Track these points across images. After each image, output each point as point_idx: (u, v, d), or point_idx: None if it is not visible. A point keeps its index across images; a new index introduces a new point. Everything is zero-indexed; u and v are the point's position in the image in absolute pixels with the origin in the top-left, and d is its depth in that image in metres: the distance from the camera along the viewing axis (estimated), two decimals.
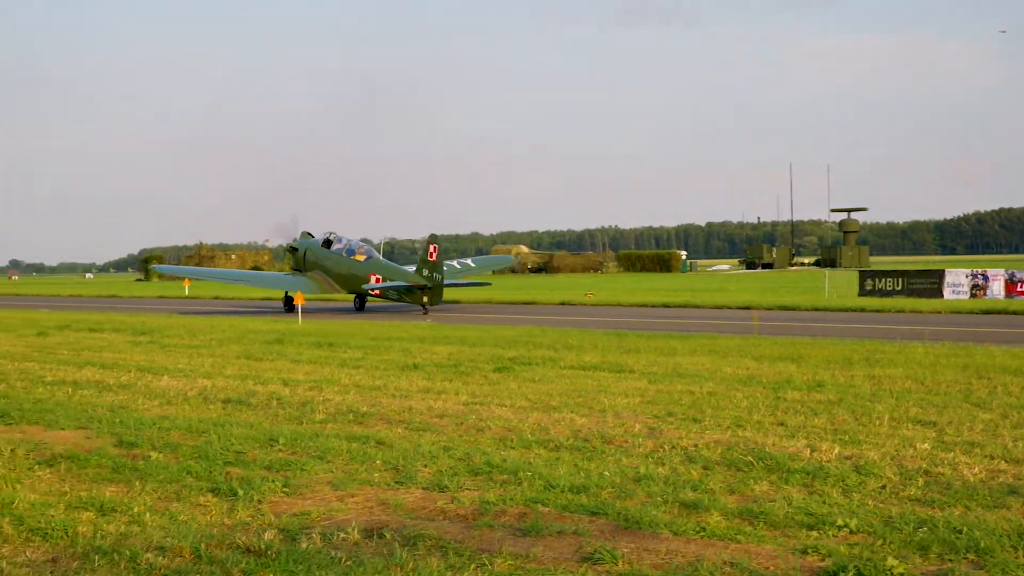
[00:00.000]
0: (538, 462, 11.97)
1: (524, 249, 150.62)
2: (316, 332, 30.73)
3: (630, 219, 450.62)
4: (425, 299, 45.23)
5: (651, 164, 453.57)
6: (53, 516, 9.98)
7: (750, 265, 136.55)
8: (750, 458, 11.88)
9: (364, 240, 51.65)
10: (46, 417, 15.70)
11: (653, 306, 46.63)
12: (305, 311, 41.89)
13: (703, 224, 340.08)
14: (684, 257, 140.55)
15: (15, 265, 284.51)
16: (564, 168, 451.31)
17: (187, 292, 72.16)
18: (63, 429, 14.83)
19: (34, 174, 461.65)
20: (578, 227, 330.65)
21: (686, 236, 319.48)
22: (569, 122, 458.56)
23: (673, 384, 18.33)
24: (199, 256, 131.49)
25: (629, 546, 8.86)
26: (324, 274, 49.52)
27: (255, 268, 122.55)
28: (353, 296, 49.60)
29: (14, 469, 12.23)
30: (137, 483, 11.38)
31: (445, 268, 49.67)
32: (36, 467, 12.36)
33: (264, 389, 18.37)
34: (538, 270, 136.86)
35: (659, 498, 10.28)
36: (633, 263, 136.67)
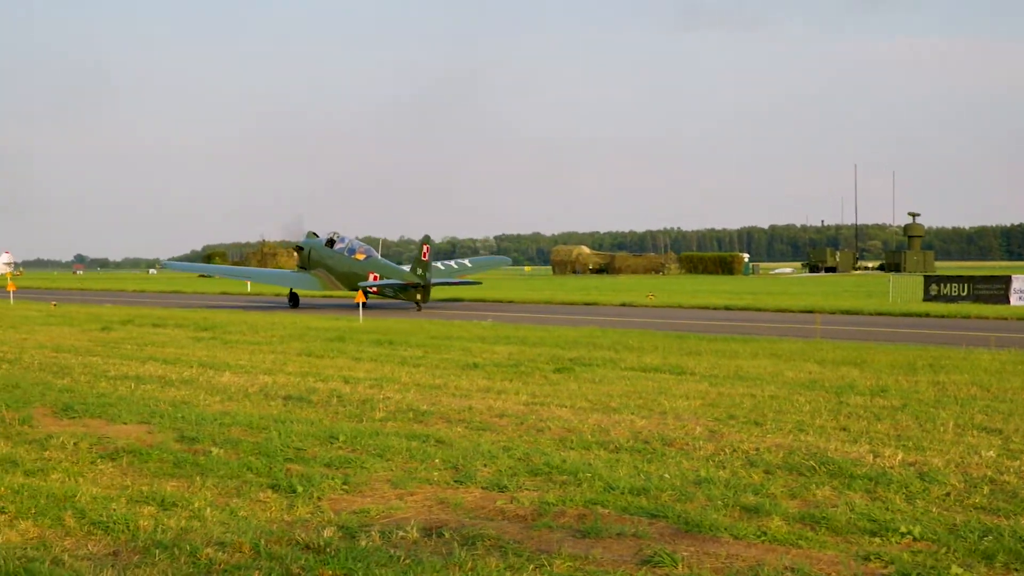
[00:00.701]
0: (598, 463, 11.92)
1: (585, 250, 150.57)
2: (376, 330, 30.81)
3: (692, 221, 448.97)
4: (418, 296, 47.89)
5: (714, 166, 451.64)
6: (115, 510, 10.04)
7: (813, 268, 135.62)
8: (812, 463, 11.78)
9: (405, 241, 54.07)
10: (109, 411, 15.81)
11: (715, 308, 46.45)
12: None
13: (766, 227, 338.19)
14: (746, 260, 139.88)
15: (80, 260, 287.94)
16: (626, 169, 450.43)
17: (249, 289, 72.65)
18: (125, 423, 14.94)
19: (98, 170, 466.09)
20: (640, 228, 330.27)
21: (749, 238, 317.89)
22: (631, 123, 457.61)
23: (734, 387, 18.22)
24: (261, 253, 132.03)
25: (689, 549, 8.80)
26: (327, 272, 52.57)
27: None
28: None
29: (77, 462, 12.33)
30: (198, 478, 11.43)
31: (443, 268, 57.16)
32: (99, 461, 12.45)
33: (324, 386, 18.42)
34: (599, 271, 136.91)
35: (719, 501, 10.21)
36: (695, 265, 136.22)
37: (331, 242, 53.26)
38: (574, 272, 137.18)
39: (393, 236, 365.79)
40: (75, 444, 13.31)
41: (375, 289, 49.62)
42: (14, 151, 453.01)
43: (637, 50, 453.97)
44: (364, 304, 49.25)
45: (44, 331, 32.26)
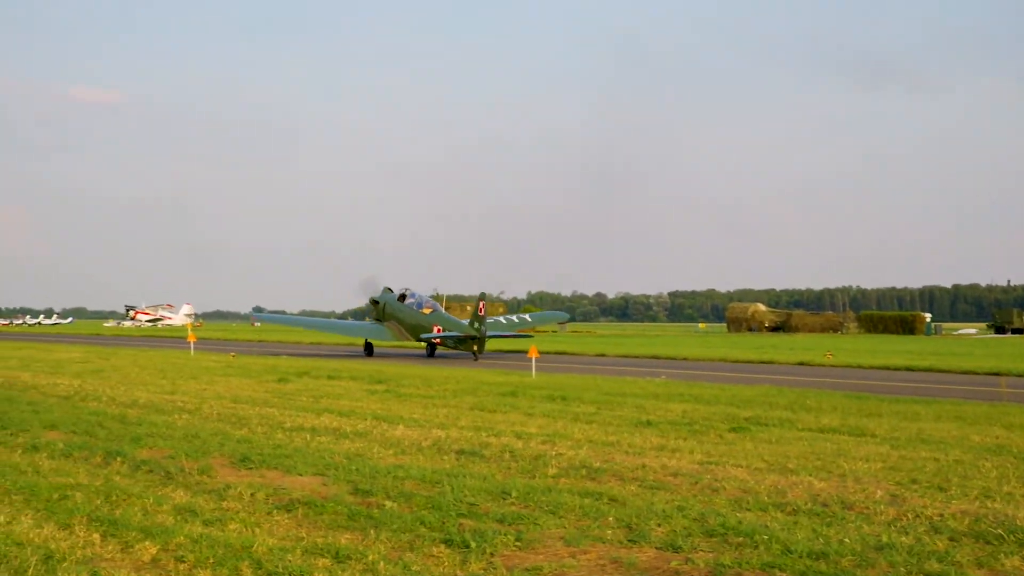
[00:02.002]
0: (775, 525, 11.67)
1: (761, 307, 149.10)
2: (548, 385, 30.78)
3: (872, 279, 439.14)
4: (475, 347, 53.14)
5: (895, 223, 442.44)
6: (290, 561, 10.13)
7: (999, 330, 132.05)
8: (1000, 531, 11.35)
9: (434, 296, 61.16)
10: (285, 463, 16.01)
11: (895, 369, 45.40)
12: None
13: (949, 286, 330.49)
14: (928, 319, 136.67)
15: (258, 312, 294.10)
16: (803, 226, 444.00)
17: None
18: (301, 475, 15.09)
19: (279, 223, 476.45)
20: (817, 286, 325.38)
21: (931, 298, 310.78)
22: (808, 179, 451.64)
23: (917, 450, 17.72)
24: None
25: None
26: (398, 324, 59.28)
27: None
28: (425, 344, 57.14)
29: (254, 513, 12.49)
30: (372, 531, 11.48)
31: (505, 321, 65.58)
32: (274, 512, 12.59)
33: (497, 441, 18.41)
34: (775, 329, 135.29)
35: (902, 568, 9.90)
36: (875, 324, 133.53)
37: (403, 297, 59.88)
38: (749, 330, 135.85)
39: (566, 292, 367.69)
40: (252, 495, 13.49)
41: (438, 340, 55.78)
42: (196, 203, 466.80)
43: (815, 109, 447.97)
44: (433, 354, 56.04)
45: (223, 382, 32.92)
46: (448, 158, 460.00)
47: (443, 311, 59.51)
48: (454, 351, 56.92)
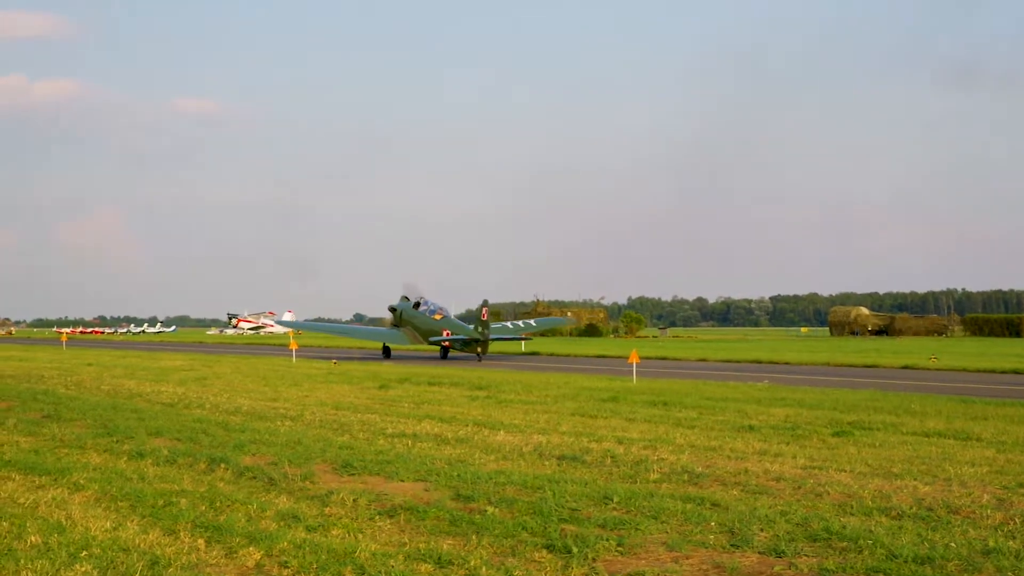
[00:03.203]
0: (879, 530, 11.54)
1: (864, 311, 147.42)
2: (650, 391, 30.69)
3: (977, 281, 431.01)
4: (479, 349, 59.80)
5: (999, 223, 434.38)
6: (393, 566, 10.19)
7: None
8: None
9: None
10: (387, 468, 16.10)
11: (1002, 372, 44.66)
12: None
13: None
14: None
15: (358, 319, 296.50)
16: (906, 228, 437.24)
17: (523, 349, 73.59)
18: (403, 481, 15.17)
19: (377, 231, 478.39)
20: (921, 289, 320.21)
21: None
22: (911, 183, 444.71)
23: None
24: (535, 312, 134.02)
25: None
26: (413, 329, 64.75)
27: (590, 325, 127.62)
28: (439, 347, 62.71)
29: (356, 519, 12.58)
30: (474, 537, 11.51)
31: (512, 327, 72.76)
32: (377, 517, 12.67)
33: (598, 447, 18.38)
34: (879, 332, 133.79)
35: (1010, 573, 9.77)
36: (980, 327, 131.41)
37: (417, 304, 65.29)
38: (852, 333, 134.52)
39: (667, 296, 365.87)
40: (354, 501, 13.58)
41: (447, 343, 61.67)
42: (299, 212, 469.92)
43: (915, 107, 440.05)
44: (446, 356, 61.67)
45: (324, 389, 33.22)
46: (544, 161, 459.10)
47: (452, 317, 65.31)
48: (461, 352, 62.43)
